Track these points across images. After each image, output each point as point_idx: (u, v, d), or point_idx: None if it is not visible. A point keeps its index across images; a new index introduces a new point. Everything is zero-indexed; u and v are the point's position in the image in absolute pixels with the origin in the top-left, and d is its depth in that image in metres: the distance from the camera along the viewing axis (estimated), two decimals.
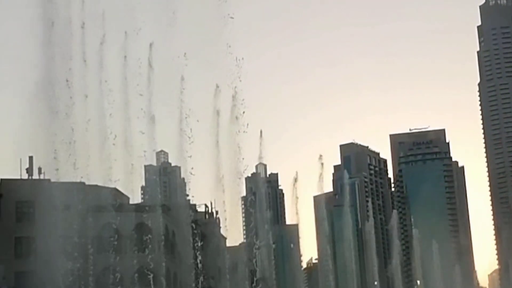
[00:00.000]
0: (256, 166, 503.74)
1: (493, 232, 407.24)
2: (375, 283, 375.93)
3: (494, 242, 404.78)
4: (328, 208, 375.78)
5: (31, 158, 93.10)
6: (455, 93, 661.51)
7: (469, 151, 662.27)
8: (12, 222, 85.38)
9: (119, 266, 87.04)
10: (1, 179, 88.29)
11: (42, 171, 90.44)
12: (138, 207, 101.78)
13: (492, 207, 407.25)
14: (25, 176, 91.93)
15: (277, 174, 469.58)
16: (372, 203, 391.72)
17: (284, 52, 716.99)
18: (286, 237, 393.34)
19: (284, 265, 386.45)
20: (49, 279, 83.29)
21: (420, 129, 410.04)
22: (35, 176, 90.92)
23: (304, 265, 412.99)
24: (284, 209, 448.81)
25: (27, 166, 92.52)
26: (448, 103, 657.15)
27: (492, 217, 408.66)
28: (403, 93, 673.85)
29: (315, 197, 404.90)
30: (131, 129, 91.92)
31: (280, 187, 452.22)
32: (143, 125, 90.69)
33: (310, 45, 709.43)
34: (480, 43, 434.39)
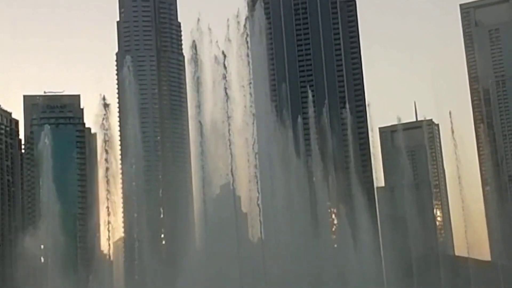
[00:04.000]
0: None
1: None
2: None
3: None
4: None
5: None
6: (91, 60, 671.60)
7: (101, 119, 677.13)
8: None
9: None
10: None
11: None
12: None
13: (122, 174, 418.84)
14: None
15: None
16: (1, 164, 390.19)
17: None
18: None
19: None
20: None
21: (55, 92, 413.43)
22: None
23: None
24: None
25: None
26: (84, 69, 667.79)
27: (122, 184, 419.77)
28: (36, 53, 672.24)
29: None
30: None
31: None
32: None
33: None
34: (120, 13, 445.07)
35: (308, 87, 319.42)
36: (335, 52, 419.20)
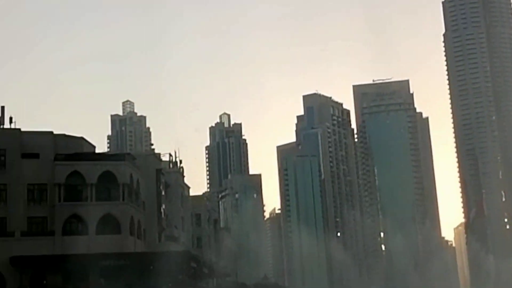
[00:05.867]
0: (220, 116, 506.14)
1: (459, 184, 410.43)
2: (338, 234, 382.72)
3: (460, 195, 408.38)
4: (291, 158, 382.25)
5: (2, 108, 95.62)
6: (420, 44, 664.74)
7: (434, 103, 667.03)
8: None
9: (84, 213, 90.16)
10: None
11: (13, 120, 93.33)
12: (103, 156, 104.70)
13: (458, 159, 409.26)
14: None
15: (240, 124, 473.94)
16: (335, 153, 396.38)
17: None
18: (249, 187, 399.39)
19: (248, 215, 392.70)
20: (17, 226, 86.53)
21: (383, 80, 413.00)
22: (6, 125, 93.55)
23: (267, 215, 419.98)
24: (247, 159, 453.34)
25: None
26: (412, 54, 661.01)
27: (457, 169, 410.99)
28: (367, 44, 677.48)
29: (278, 147, 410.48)
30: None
31: (243, 137, 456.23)
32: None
33: None
34: None
35: None
36: None
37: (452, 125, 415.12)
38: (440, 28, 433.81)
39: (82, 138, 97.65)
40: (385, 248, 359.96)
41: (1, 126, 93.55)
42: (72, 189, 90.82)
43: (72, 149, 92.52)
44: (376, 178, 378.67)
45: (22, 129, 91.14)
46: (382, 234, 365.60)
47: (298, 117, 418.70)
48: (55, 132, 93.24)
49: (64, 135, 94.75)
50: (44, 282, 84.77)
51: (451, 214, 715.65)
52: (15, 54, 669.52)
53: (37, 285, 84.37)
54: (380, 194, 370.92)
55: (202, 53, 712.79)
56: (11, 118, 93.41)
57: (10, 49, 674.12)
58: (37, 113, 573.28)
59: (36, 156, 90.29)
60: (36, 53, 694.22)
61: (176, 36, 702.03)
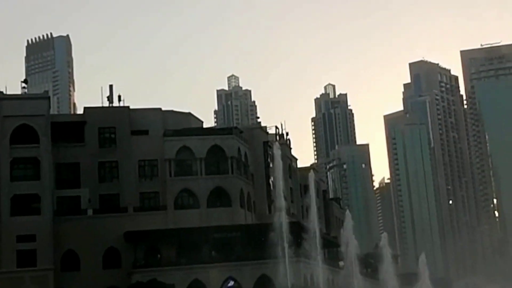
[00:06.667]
0: (325, 87, 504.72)
1: None
2: (450, 202, 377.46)
3: None
4: (399, 127, 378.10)
5: (111, 86, 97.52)
6: None
7: None
8: (95, 147, 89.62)
9: (195, 187, 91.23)
10: (84, 107, 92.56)
11: (122, 98, 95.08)
12: (211, 130, 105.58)
13: None
14: (106, 103, 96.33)
15: (346, 94, 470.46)
16: (445, 121, 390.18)
17: None
18: (357, 157, 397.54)
19: (356, 185, 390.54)
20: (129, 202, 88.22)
21: (491, 44, 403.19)
22: (115, 103, 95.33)
23: (376, 185, 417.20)
24: (354, 129, 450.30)
25: (108, 94, 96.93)
26: None
27: None
28: (472, 8, 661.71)
29: (385, 116, 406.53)
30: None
31: (349, 107, 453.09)
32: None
33: None
34: None
35: None
36: None
37: None
38: None
39: (189, 113, 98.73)
40: (498, 214, 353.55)
41: (111, 105, 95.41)
42: (182, 164, 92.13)
43: (181, 125, 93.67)
44: (488, 144, 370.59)
45: (131, 107, 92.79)
46: (495, 201, 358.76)
47: (405, 85, 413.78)
48: (163, 109, 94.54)
49: (172, 111, 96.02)
50: (158, 256, 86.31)
51: None
52: (121, 34, 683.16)
53: (151, 259, 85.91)
54: (492, 160, 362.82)
55: (305, 24, 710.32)
56: (119, 96, 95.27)
57: (117, 29, 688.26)
58: (145, 91, 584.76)
59: (145, 132, 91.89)
60: (143, 31, 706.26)
61: (278, 7, 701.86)
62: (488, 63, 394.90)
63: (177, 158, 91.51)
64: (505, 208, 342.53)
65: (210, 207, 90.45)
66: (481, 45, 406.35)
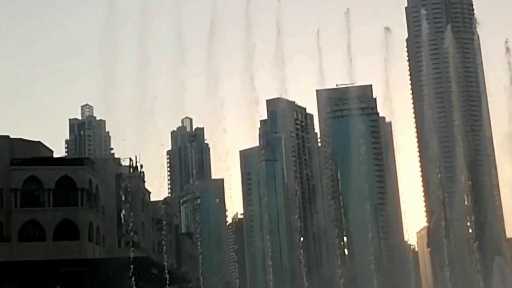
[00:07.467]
0: (182, 120, 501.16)
1: (422, 189, 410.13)
2: (301, 239, 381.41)
3: (423, 199, 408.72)
4: (254, 162, 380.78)
5: None
6: (380, 48, 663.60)
7: (397, 107, 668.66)
8: None
9: (42, 219, 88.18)
10: None
11: None
12: (62, 161, 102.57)
13: (420, 164, 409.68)
14: None
15: (203, 128, 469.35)
16: (299, 158, 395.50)
17: None
18: (212, 191, 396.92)
19: (209, 220, 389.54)
20: None
21: (346, 84, 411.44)
22: None
23: (229, 220, 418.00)
24: (210, 163, 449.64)
25: None
26: (373, 58, 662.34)
27: (420, 173, 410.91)
28: (330, 49, 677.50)
29: (241, 152, 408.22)
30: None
31: (206, 141, 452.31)
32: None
33: None
34: None
35: None
36: None
37: (414, 130, 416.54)
38: (403, 33, 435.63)
39: (39, 142, 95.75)
40: (348, 252, 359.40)
41: None
42: (29, 194, 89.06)
43: (29, 154, 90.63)
44: (339, 182, 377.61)
45: None
46: (345, 239, 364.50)
47: (261, 121, 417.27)
48: (11, 137, 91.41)
49: (21, 139, 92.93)
50: None
51: (414, 218, 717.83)
52: None
53: None
54: (343, 199, 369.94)
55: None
56: None
57: None
58: None
59: None
60: None
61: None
62: (342, 102, 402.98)
63: (23, 188, 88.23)
64: (354, 247, 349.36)
65: (57, 240, 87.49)
66: (336, 85, 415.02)
